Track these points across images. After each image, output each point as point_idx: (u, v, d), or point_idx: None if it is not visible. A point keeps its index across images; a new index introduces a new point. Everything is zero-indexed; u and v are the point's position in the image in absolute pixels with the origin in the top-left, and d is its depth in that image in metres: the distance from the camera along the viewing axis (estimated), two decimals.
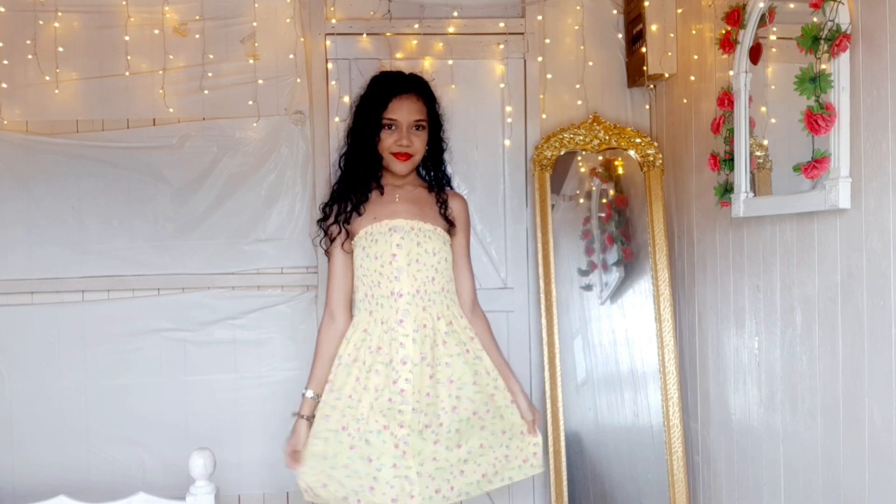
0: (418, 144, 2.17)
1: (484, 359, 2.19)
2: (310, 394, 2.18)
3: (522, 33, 3.09)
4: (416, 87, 2.19)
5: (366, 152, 2.16)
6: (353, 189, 2.19)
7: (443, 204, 2.24)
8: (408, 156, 2.16)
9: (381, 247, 2.12)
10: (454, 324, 2.17)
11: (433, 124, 2.22)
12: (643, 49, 2.83)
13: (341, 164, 2.24)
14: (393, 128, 2.14)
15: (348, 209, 2.18)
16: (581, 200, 3.05)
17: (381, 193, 2.20)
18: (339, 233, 2.19)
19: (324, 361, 2.19)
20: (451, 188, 2.32)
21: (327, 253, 2.24)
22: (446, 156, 2.31)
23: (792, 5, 1.95)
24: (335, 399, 2.11)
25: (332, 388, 2.13)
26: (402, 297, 2.11)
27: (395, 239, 2.12)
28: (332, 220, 2.20)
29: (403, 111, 2.14)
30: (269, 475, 3.11)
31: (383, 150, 2.16)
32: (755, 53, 2.07)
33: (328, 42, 3.06)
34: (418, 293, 2.12)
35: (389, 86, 2.16)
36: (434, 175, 2.28)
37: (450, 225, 2.23)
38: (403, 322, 2.10)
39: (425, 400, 2.08)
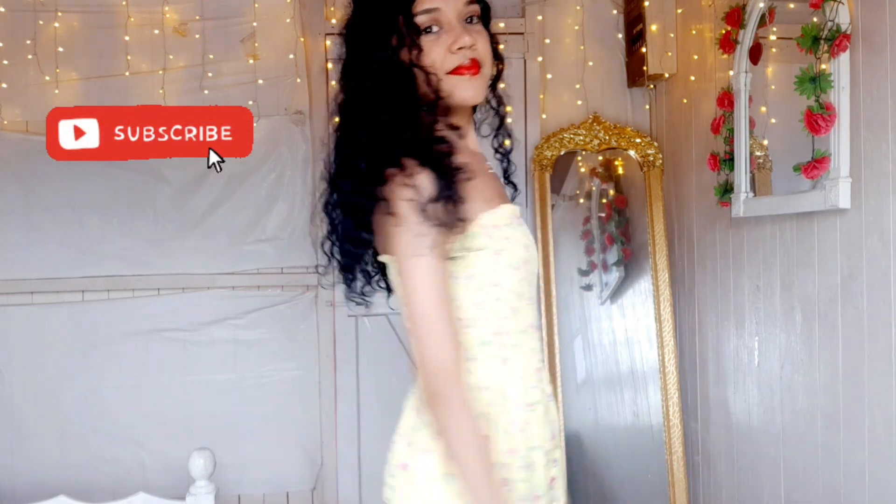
0: (483, 46, 1.21)
1: None
2: None
3: (522, 33, 3.09)
4: None
5: (405, 83, 1.18)
6: (423, 148, 1.15)
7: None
8: (477, 66, 1.19)
9: (518, 249, 1.21)
10: None
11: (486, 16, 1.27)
12: (643, 49, 2.83)
13: (363, 127, 1.21)
14: (433, 29, 1.19)
15: (453, 183, 1.13)
16: (581, 200, 3.05)
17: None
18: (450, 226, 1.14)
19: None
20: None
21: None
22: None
23: (792, 5, 1.95)
24: None
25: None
26: (537, 331, 1.27)
27: (526, 236, 1.24)
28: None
29: None
30: (269, 475, 3.11)
31: (433, 68, 1.18)
32: (755, 53, 2.07)
33: (328, 42, 3.06)
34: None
35: None
36: None
37: None
38: (542, 371, 1.26)
39: None
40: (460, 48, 1.18)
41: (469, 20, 1.21)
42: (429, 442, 1.19)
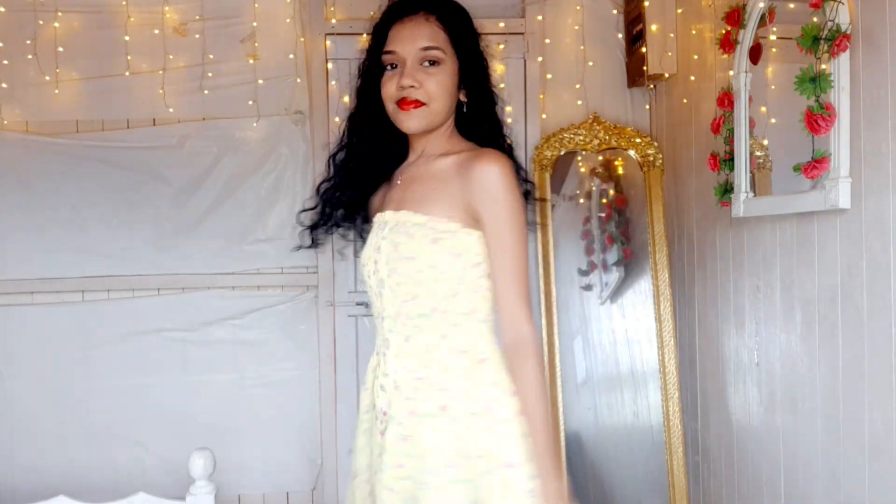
0: (431, 86, 1.43)
1: (493, 429, 1.39)
2: None
3: (522, 33, 3.09)
4: (426, 5, 1.47)
5: (371, 109, 1.51)
6: (354, 170, 1.55)
7: (458, 175, 1.44)
8: (416, 103, 1.43)
9: (366, 251, 1.53)
10: (443, 364, 1.43)
11: (465, 59, 1.48)
12: (643, 49, 2.83)
13: (345, 139, 1.57)
14: (396, 67, 1.46)
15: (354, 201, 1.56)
16: (581, 200, 3.05)
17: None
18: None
19: None
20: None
21: None
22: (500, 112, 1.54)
23: (792, 5, 1.95)
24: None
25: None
26: (383, 321, 1.49)
27: (375, 239, 1.50)
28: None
29: (404, 38, 1.45)
30: (269, 475, 3.11)
31: (387, 101, 1.47)
32: (755, 53, 2.07)
33: (328, 42, 3.06)
34: (399, 316, 1.46)
35: (391, 13, 1.49)
36: (478, 137, 1.52)
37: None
38: (387, 355, 1.48)
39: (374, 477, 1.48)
40: (401, 87, 1.43)
41: (428, 62, 1.44)
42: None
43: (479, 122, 1.51)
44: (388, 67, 1.46)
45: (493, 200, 1.39)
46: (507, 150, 1.51)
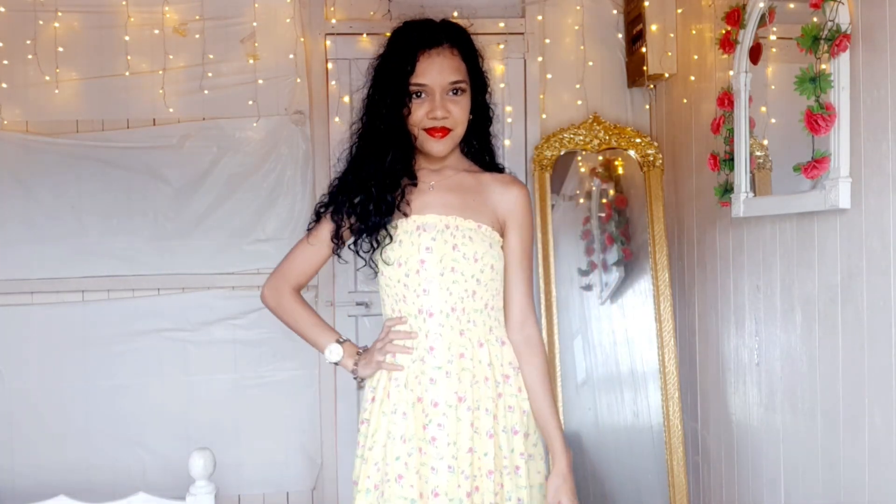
0: (458, 114, 1.64)
1: (523, 407, 1.70)
2: (336, 349, 1.73)
3: (522, 33, 3.09)
4: (449, 37, 1.65)
5: (392, 130, 1.64)
6: (378, 183, 1.65)
7: (494, 192, 1.72)
8: (445, 130, 1.64)
9: (407, 250, 1.65)
10: (493, 353, 1.69)
11: (475, 86, 1.69)
12: (643, 49, 2.83)
13: (353, 151, 1.71)
14: (423, 95, 1.63)
15: (382, 209, 1.66)
16: (581, 200, 3.05)
17: (415, 184, 1.69)
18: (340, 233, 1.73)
19: (310, 311, 1.76)
20: (503, 170, 1.81)
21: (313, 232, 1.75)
22: (494, 129, 1.80)
23: (792, 5, 1.95)
24: (367, 450, 1.67)
25: (367, 432, 1.68)
26: (432, 316, 1.65)
27: (424, 240, 1.64)
28: (344, 223, 1.70)
29: (434, 71, 1.61)
30: (269, 475, 3.11)
31: (413, 125, 1.64)
32: (755, 53, 2.07)
33: (328, 42, 3.06)
34: (454, 311, 1.65)
35: (415, 39, 1.63)
36: (478, 154, 1.78)
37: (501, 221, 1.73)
38: (434, 350, 1.65)
39: (466, 458, 1.61)
40: (434, 118, 1.62)
41: (454, 92, 1.64)
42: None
43: (482, 138, 1.76)
44: (414, 95, 1.63)
45: (524, 218, 1.71)
46: (501, 170, 1.78)
